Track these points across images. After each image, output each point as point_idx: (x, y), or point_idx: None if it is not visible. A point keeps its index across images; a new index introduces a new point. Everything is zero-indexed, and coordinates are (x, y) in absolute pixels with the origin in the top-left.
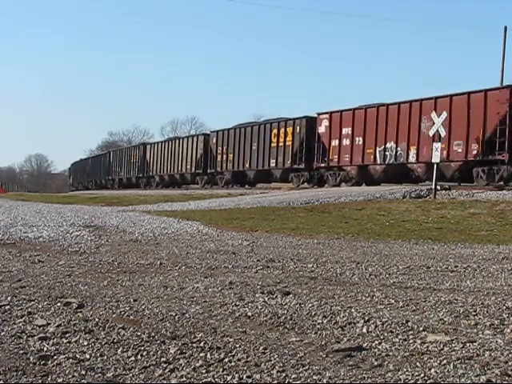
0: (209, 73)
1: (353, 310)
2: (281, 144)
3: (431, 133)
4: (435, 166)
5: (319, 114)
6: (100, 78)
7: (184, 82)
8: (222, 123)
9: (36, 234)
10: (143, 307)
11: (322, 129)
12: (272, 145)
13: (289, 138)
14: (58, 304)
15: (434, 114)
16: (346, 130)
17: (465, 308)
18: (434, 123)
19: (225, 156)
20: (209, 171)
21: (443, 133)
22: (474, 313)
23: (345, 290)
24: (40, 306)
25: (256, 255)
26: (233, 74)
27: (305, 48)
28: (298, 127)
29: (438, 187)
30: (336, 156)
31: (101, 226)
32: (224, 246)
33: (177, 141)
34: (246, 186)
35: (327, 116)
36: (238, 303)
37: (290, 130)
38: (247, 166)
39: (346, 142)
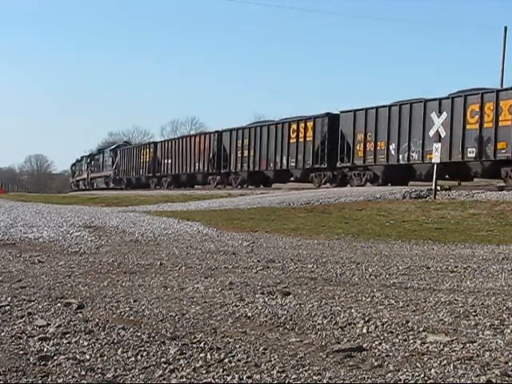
0: (209, 73)
1: (353, 311)
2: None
3: (431, 133)
4: (435, 166)
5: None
6: (100, 78)
7: (184, 82)
8: (222, 123)
9: (36, 234)
10: (143, 308)
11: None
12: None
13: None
14: (58, 304)
15: (433, 115)
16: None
17: (465, 308)
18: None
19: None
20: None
21: (443, 133)
22: (474, 313)
23: (345, 291)
24: (40, 307)
25: (256, 256)
26: (233, 74)
27: (305, 48)
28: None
29: (438, 187)
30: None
31: (101, 226)
32: (224, 247)
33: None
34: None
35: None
36: (238, 304)
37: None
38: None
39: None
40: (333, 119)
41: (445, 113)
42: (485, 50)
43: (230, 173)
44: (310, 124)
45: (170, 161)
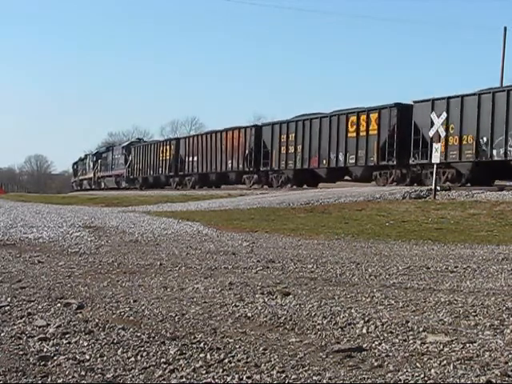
0: (209, 73)
1: (353, 311)
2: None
3: (431, 133)
4: (435, 166)
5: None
6: (100, 79)
7: (184, 82)
8: (222, 123)
9: (36, 234)
10: (143, 308)
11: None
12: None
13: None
14: (58, 305)
15: (433, 115)
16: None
17: (465, 308)
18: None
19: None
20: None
21: (443, 133)
22: (473, 313)
23: (345, 291)
24: (40, 307)
25: (256, 256)
26: (233, 74)
27: (305, 48)
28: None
29: (438, 188)
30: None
31: (101, 226)
32: (224, 247)
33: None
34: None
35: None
36: (237, 304)
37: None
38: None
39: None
40: (403, 110)
41: (444, 113)
42: (485, 49)
43: (270, 171)
44: (373, 116)
45: (195, 158)
